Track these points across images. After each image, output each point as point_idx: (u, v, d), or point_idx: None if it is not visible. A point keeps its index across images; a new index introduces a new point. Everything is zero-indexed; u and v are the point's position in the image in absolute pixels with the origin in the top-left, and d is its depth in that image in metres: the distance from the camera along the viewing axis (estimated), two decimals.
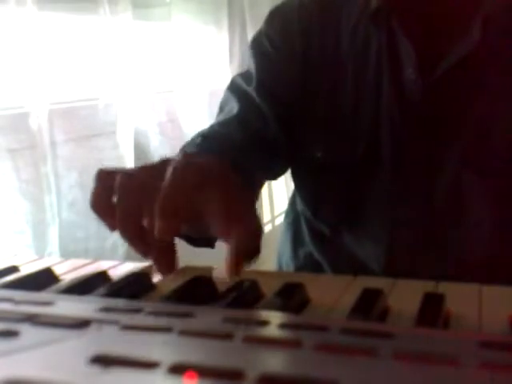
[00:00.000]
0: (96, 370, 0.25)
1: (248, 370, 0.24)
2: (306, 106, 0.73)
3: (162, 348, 0.28)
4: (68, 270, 0.50)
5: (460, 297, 0.39)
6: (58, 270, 0.49)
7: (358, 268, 0.74)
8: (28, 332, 0.30)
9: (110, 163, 1.55)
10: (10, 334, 0.29)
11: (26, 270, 0.49)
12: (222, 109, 0.78)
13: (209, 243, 0.70)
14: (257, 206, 0.61)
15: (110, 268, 0.49)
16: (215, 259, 0.51)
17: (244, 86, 0.76)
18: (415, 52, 0.65)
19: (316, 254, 0.80)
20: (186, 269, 0.50)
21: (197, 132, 0.75)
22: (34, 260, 0.56)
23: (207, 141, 0.71)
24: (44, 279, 0.45)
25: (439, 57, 0.65)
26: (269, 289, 0.42)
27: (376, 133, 0.69)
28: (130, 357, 0.26)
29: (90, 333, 0.30)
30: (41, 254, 1.39)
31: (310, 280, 0.44)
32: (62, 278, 0.47)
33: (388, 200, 0.70)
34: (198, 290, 0.41)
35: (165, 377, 0.24)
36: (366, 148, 0.69)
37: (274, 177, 0.82)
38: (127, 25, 1.70)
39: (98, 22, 1.64)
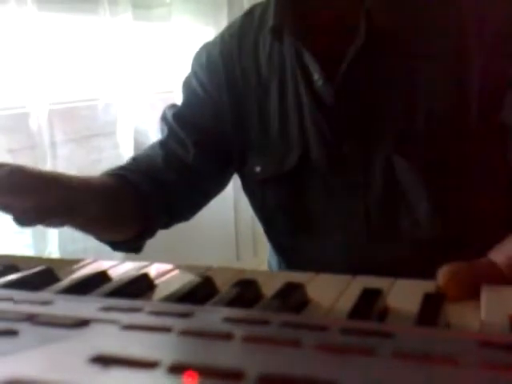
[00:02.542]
0: (96, 369, 0.25)
1: (248, 370, 0.24)
2: (241, 130, 0.80)
3: (162, 348, 0.28)
4: (68, 270, 0.50)
5: None
6: (57, 270, 0.49)
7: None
8: (28, 332, 0.30)
9: (110, 163, 1.55)
10: (10, 333, 0.29)
11: (25, 270, 0.49)
12: (161, 136, 0.87)
13: (134, 248, 0.79)
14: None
15: (109, 268, 0.49)
16: (215, 259, 0.51)
17: (170, 117, 0.85)
18: (317, 59, 0.70)
19: (285, 267, 0.83)
20: (186, 269, 0.50)
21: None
22: (34, 260, 0.56)
23: (135, 161, 0.83)
24: (44, 279, 0.45)
25: (339, 59, 0.68)
26: (269, 289, 0.42)
27: (305, 142, 0.74)
28: (130, 357, 0.26)
29: (90, 333, 0.30)
30: (41, 254, 1.39)
31: (310, 280, 0.44)
32: (61, 278, 0.47)
33: (331, 201, 0.74)
34: (198, 290, 0.41)
35: (165, 377, 0.24)
36: (298, 158, 0.74)
37: (196, 194, 0.86)
38: (127, 25, 1.70)
39: (98, 23, 1.64)
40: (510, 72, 0.64)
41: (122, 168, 0.81)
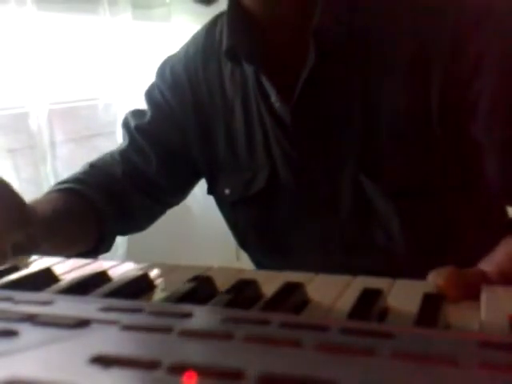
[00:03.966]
0: (96, 370, 0.25)
1: (248, 370, 0.24)
2: (208, 149, 0.79)
3: (162, 348, 0.28)
4: (68, 270, 0.50)
5: None
6: (57, 270, 0.49)
7: None
8: (28, 332, 0.30)
9: None
10: (10, 333, 0.29)
11: (25, 269, 0.49)
12: (122, 141, 0.86)
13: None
14: None
15: (109, 268, 0.49)
16: (215, 259, 0.51)
17: (132, 126, 0.83)
18: (273, 80, 0.69)
19: None
20: (186, 269, 0.50)
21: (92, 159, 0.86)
22: (35, 260, 0.56)
23: (93, 169, 0.82)
24: (44, 279, 0.45)
25: (295, 80, 0.68)
26: (269, 289, 0.42)
27: (272, 163, 0.74)
28: (130, 357, 0.26)
29: (90, 333, 0.30)
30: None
31: (310, 280, 0.44)
32: (61, 277, 0.47)
33: (304, 220, 0.74)
34: (198, 290, 0.41)
35: (165, 377, 0.24)
36: (267, 179, 0.74)
37: (157, 207, 0.86)
38: (127, 25, 1.70)
39: (97, 22, 1.64)
40: (475, 85, 0.61)
41: (76, 180, 0.79)
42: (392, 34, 0.65)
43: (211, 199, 0.90)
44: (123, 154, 0.82)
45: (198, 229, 1.95)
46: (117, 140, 1.68)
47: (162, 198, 0.84)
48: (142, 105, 0.87)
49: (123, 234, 0.85)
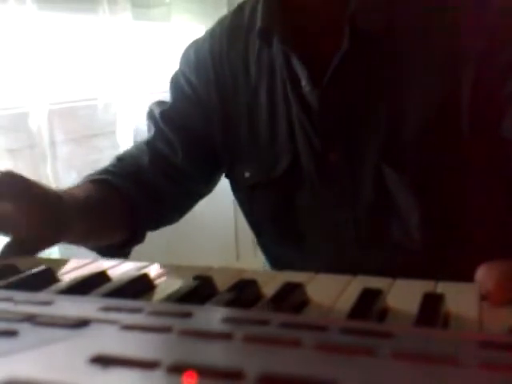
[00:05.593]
0: (96, 370, 0.25)
1: (248, 370, 0.24)
2: (229, 132, 0.78)
3: (162, 348, 0.28)
4: (68, 270, 0.50)
5: (460, 297, 0.39)
6: (57, 270, 0.49)
7: None
8: (28, 332, 0.30)
9: None
10: (10, 333, 0.29)
11: (26, 270, 0.49)
12: (147, 133, 0.85)
13: (123, 253, 0.79)
14: None
15: (109, 268, 0.49)
16: (215, 259, 0.51)
17: (157, 115, 0.83)
18: (305, 64, 0.69)
19: None
20: (186, 269, 0.50)
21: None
22: (35, 260, 0.56)
23: (120, 162, 0.82)
24: (44, 279, 0.45)
25: (326, 64, 0.68)
26: (269, 289, 0.42)
27: (295, 149, 0.73)
28: (130, 357, 0.26)
29: (90, 333, 0.30)
30: (41, 254, 1.39)
31: (310, 280, 0.44)
32: (61, 277, 0.47)
33: (319, 211, 0.73)
34: (198, 290, 0.41)
35: (165, 377, 0.24)
36: (288, 165, 0.73)
37: (188, 197, 0.86)
38: (127, 25, 1.70)
39: (97, 22, 1.64)
40: (509, 84, 0.61)
41: (107, 171, 0.79)
42: (426, 29, 0.65)
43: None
44: (149, 144, 0.82)
45: (198, 229, 1.95)
46: (117, 140, 1.68)
47: (189, 186, 0.83)
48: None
49: (155, 226, 0.84)
